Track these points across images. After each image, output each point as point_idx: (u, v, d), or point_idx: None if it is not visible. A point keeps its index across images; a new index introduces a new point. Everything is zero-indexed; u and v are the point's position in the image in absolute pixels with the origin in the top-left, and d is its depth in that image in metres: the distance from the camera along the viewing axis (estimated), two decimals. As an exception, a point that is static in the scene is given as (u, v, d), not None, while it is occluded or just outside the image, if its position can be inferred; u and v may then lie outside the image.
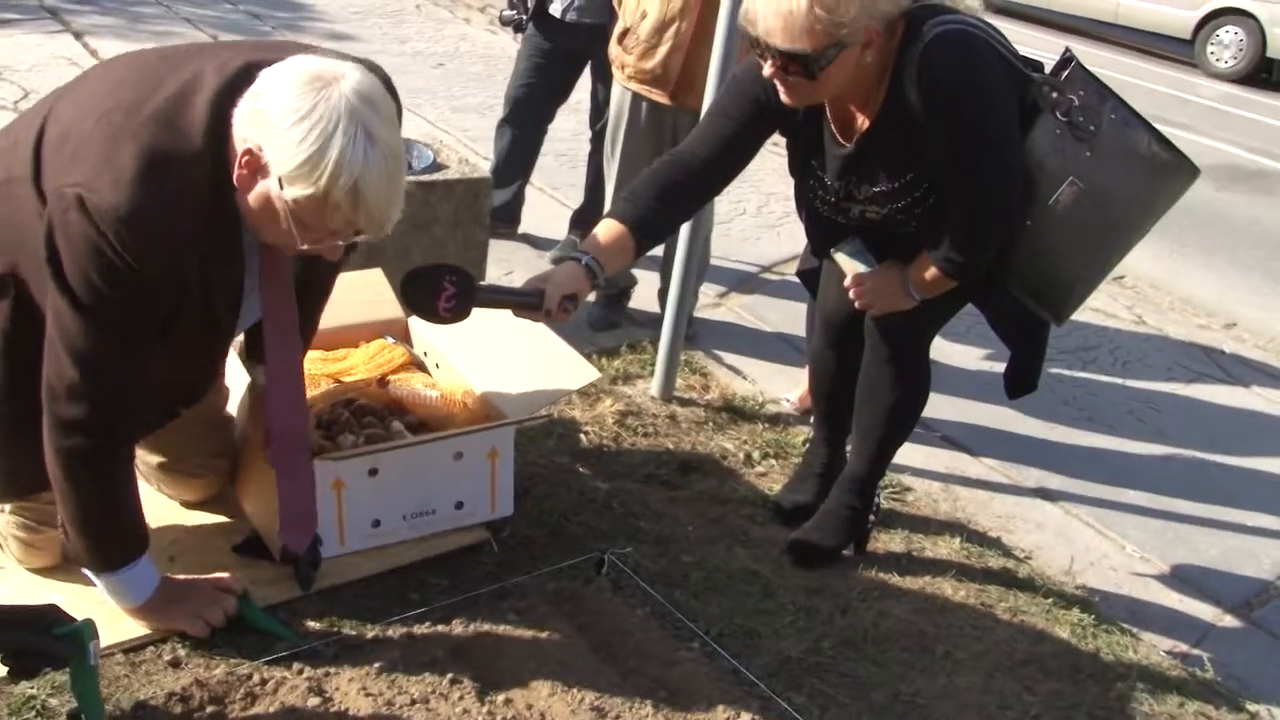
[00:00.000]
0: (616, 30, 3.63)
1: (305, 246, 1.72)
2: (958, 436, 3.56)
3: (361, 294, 2.87)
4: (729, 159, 2.35)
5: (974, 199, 2.15)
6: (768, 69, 2.06)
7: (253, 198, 1.69)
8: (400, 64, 7.36)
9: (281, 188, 1.63)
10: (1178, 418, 3.97)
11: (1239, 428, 3.97)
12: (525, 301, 2.15)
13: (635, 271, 3.95)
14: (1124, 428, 3.83)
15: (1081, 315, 4.70)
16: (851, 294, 2.41)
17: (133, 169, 1.63)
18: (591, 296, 3.93)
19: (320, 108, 1.59)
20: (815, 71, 2.01)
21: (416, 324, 2.80)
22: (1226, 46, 11.39)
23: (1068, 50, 2.23)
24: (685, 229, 3.21)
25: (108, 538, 1.94)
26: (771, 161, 6.20)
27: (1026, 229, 2.18)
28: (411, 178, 3.42)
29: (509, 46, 8.32)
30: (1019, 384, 2.51)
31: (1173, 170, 2.12)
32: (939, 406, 3.60)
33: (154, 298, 1.74)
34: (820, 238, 2.55)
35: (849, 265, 2.41)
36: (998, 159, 2.12)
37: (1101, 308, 4.82)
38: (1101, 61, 11.58)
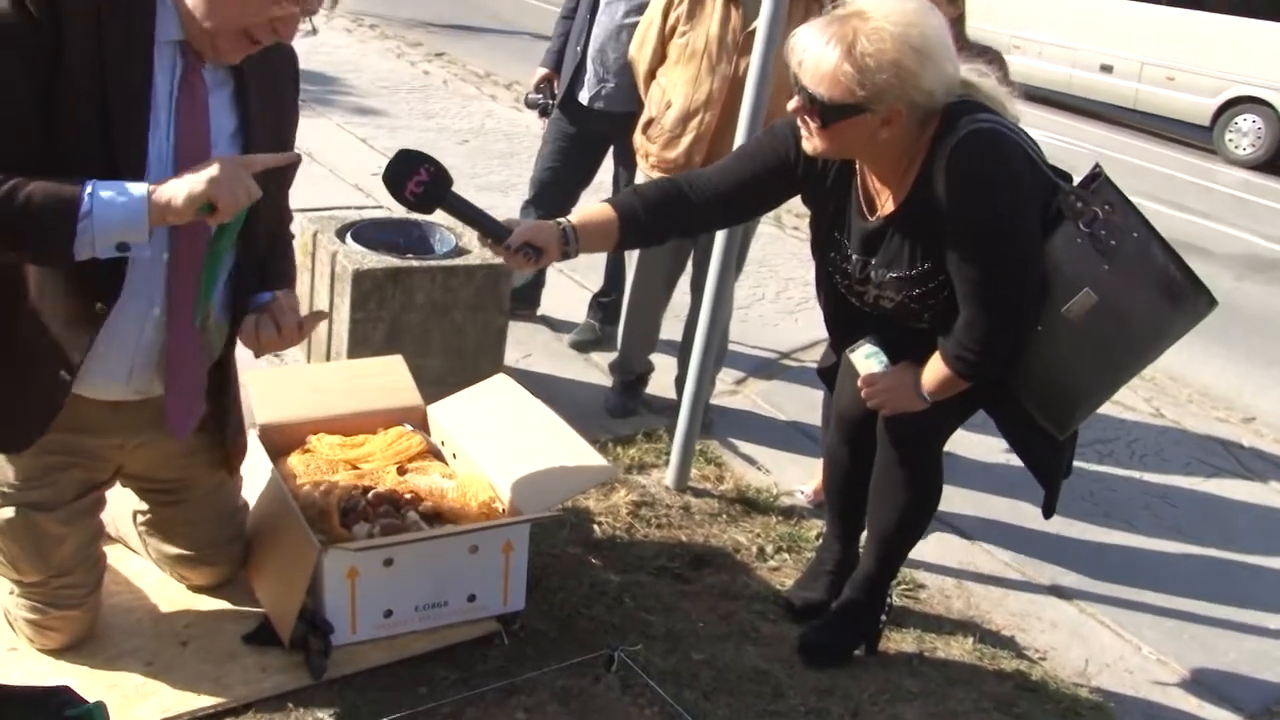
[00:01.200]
0: (641, 120, 3.71)
1: (269, 15, 1.73)
2: (972, 530, 3.56)
3: (381, 380, 2.92)
4: (737, 202, 2.41)
5: (989, 296, 2.18)
6: (793, 103, 2.13)
7: None
8: (426, 140, 7.51)
9: None
10: (1195, 514, 3.95)
11: (1257, 525, 3.95)
12: (491, 229, 2.18)
13: (653, 358, 4.00)
14: (1141, 524, 3.82)
15: (1103, 409, 4.72)
16: (864, 394, 2.44)
17: None
18: (608, 380, 4.00)
19: None
20: (828, 120, 2.08)
21: (435, 413, 2.84)
22: (1245, 134, 11.50)
23: (1097, 165, 2.27)
24: (705, 317, 3.26)
25: (30, 214, 1.66)
26: (790, 245, 6.30)
27: (1038, 334, 2.21)
28: (434, 262, 3.49)
29: (533, 124, 8.46)
30: (1047, 509, 2.52)
31: (1190, 298, 2.14)
32: (953, 500, 3.60)
33: (26, 28, 1.64)
34: (837, 324, 2.58)
35: (863, 365, 2.44)
36: (1016, 258, 2.15)
37: (1120, 399, 4.81)
38: (1121, 146, 11.70)
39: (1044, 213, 2.17)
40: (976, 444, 4.06)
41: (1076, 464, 4.08)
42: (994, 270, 2.15)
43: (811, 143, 2.17)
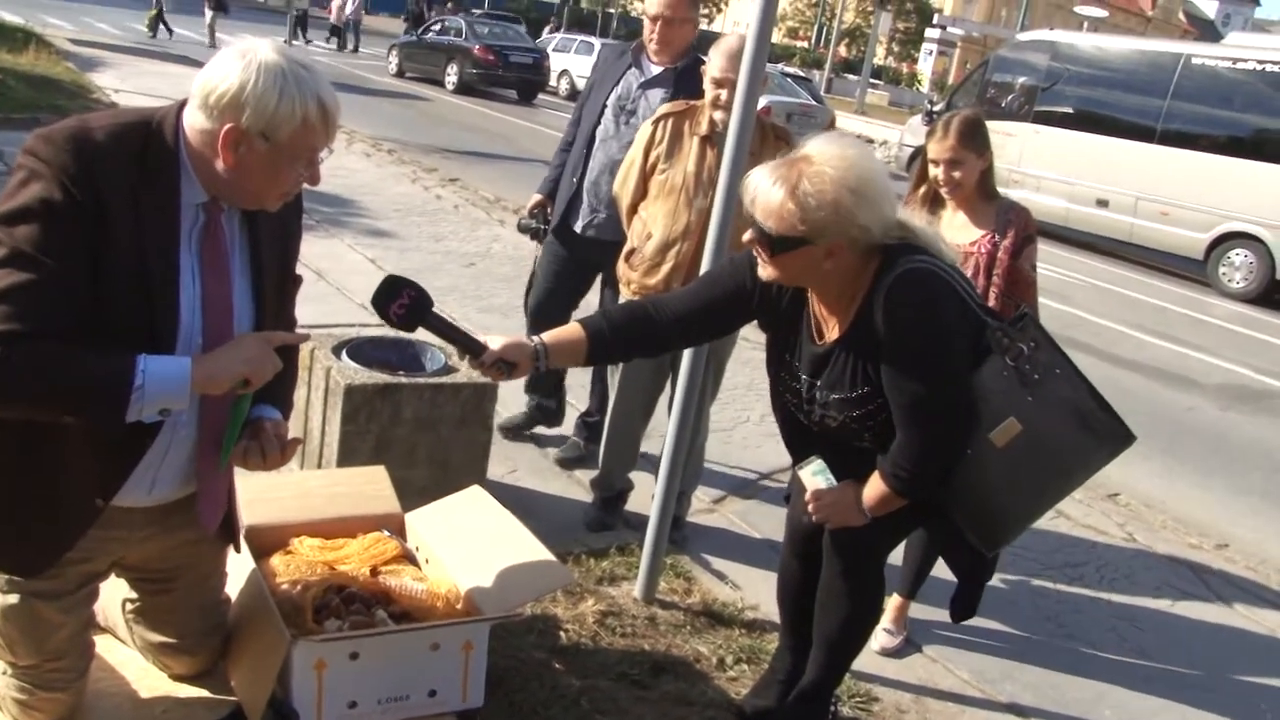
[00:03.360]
0: (625, 250, 3.97)
1: (302, 175, 2.04)
2: (934, 648, 3.68)
3: (364, 488, 3.11)
4: (697, 324, 2.63)
5: (920, 419, 2.39)
6: (748, 235, 2.39)
7: (247, 168, 1.98)
8: (433, 262, 7.84)
9: (268, 139, 1.95)
10: (1161, 637, 4.06)
11: (1221, 649, 4.05)
12: (467, 344, 2.42)
13: (633, 475, 4.18)
14: (1105, 645, 3.93)
15: (1072, 531, 4.87)
16: (810, 508, 2.62)
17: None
18: (589, 496, 4.18)
19: (265, 72, 1.93)
20: (776, 251, 2.33)
21: (412, 520, 3.02)
22: (1238, 268, 11.79)
23: (1023, 306, 2.49)
24: (670, 436, 3.45)
25: (90, 385, 1.92)
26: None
27: (968, 458, 2.40)
28: (422, 379, 3.72)
29: (537, 249, 8.84)
30: (963, 609, 2.68)
31: (1106, 433, 2.33)
32: (919, 615, 3.73)
33: (73, 207, 1.90)
34: (791, 441, 2.78)
35: (810, 481, 2.64)
36: (944, 386, 2.36)
37: (1093, 524, 4.97)
38: (1116, 279, 11.99)
39: (974, 346, 2.39)
40: (942, 563, 4.20)
41: (1044, 584, 4.28)
42: (924, 396, 2.36)
43: (765, 270, 2.41)
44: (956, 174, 3.37)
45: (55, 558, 2.16)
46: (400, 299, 2.35)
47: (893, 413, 2.41)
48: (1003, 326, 2.40)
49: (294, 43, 24.94)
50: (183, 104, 2.04)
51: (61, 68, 14.89)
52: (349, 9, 28.69)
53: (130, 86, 14.18)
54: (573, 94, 25.00)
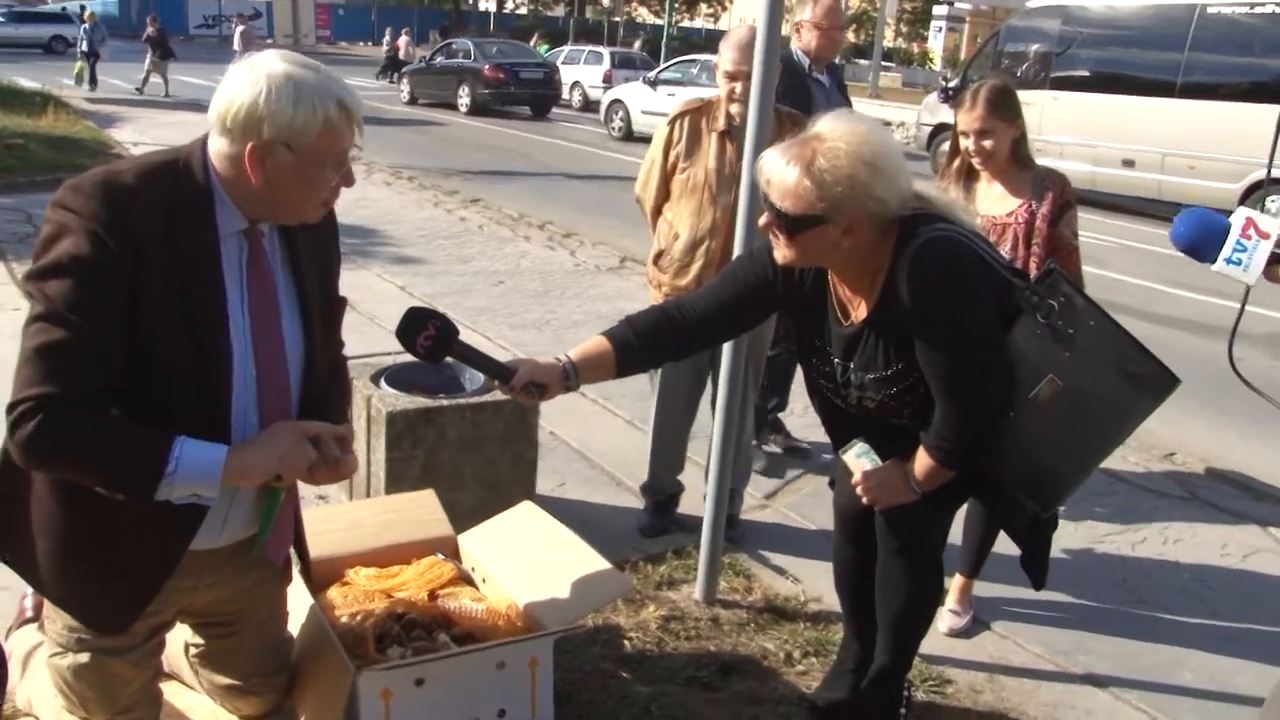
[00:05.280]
0: (651, 252, 3.95)
1: (335, 180, 2.01)
2: (1003, 624, 3.61)
3: (415, 513, 3.10)
4: (722, 321, 2.59)
5: (957, 389, 2.34)
6: (763, 219, 2.34)
7: (277, 181, 1.96)
8: (463, 283, 7.86)
9: (292, 148, 1.92)
10: (1233, 595, 3.97)
11: (1297, 602, 3.96)
12: (496, 370, 2.40)
13: (683, 479, 4.14)
14: (1177, 607, 3.84)
15: (1131, 494, 4.78)
16: (858, 491, 2.58)
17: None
18: (641, 503, 4.15)
19: (275, 83, 1.90)
20: (794, 231, 2.28)
21: (465, 542, 3.00)
22: (1276, 216, 11.55)
23: (1050, 262, 2.43)
24: (717, 434, 3.41)
25: (121, 465, 1.91)
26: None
27: (1010, 421, 2.35)
28: (463, 400, 3.71)
29: (565, 261, 8.86)
30: (1036, 575, 2.63)
31: (1149, 380, 2.28)
32: (984, 593, 3.67)
33: (106, 258, 1.87)
34: (831, 427, 2.74)
35: (855, 464, 2.59)
36: (977, 353, 2.31)
37: (1152, 485, 4.88)
38: (1148, 238, 11.81)
39: (1002, 308, 2.34)
40: (1004, 538, 4.14)
41: (1109, 551, 4.19)
42: (958, 365, 2.31)
43: (781, 252, 2.37)
44: (988, 143, 3.31)
45: (140, 610, 2.14)
46: (425, 330, 2.33)
47: (930, 385, 2.37)
48: (1030, 285, 2.37)
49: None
50: (206, 138, 2.03)
51: (81, 126, 15.12)
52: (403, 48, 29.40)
53: (149, 138, 14.36)
54: (586, 105, 25.04)
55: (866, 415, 2.54)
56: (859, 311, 2.43)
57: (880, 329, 2.39)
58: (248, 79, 1.93)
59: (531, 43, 33.06)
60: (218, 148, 1.99)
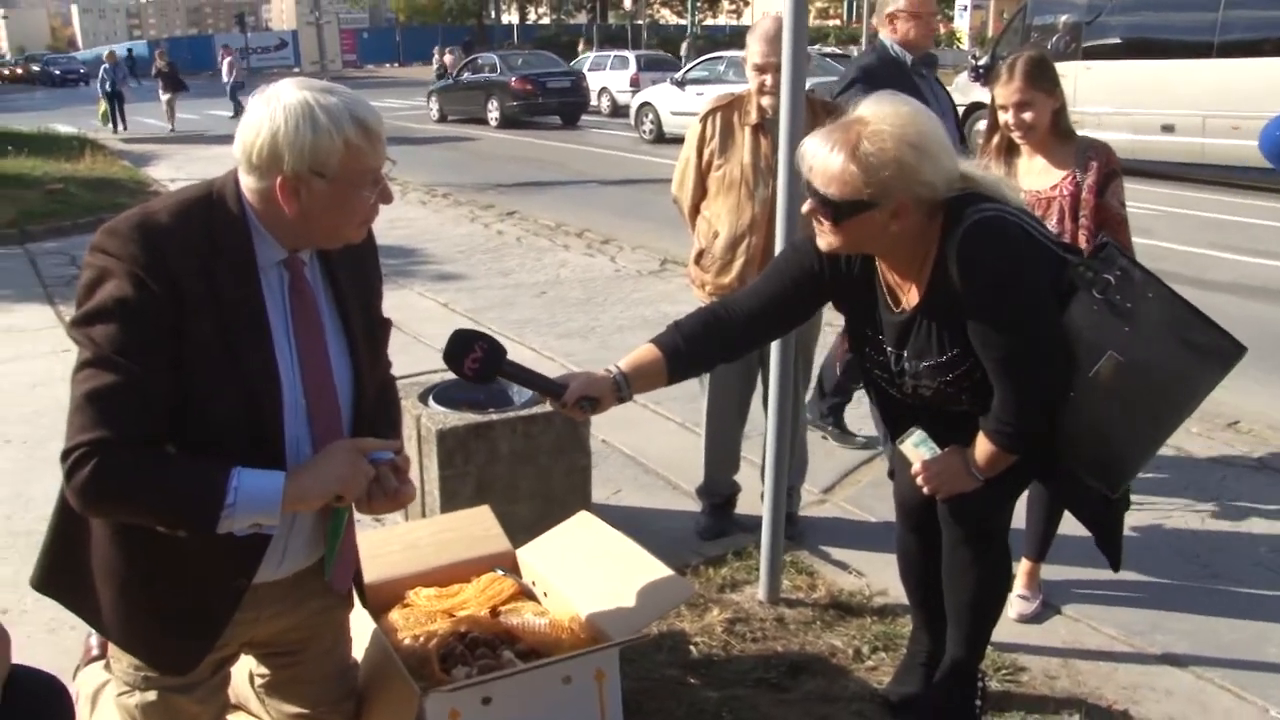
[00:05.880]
0: (692, 252, 3.92)
1: (372, 199, 1.98)
2: (1074, 607, 3.53)
3: (471, 531, 3.08)
4: (770, 317, 2.54)
5: (1014, 371, 2.28)
6: (806, 205, 2.30)
7: (313, 209, 1.93)
8: (504, 297, 7.86)
9: (322, 175, 1.90)
10: (1311, 564, 3.87)
11: (1377, 568, 3.84)
12: (547, 387, 2.36)
13: (739, 479, 4.11)
14: (1254, 580, 3.74)
15: (1198, 467, 4.67)
16: (919, 480, 2.52)
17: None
18: (698, 506, 4.12)
19: (290, 112, 1.87)
20: (840, 218, 2.23)
21: (524, 555, 2.99)
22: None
23: (1103, 236, 2.37)
24: (771, 431, 3.37)
25: (181, 501, 1.88)
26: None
27: (1072, 400, 2.29)
28: (513, 413, 3.69)
29: (606, 268, 8.85)
30: (1111, 555, 2.56)
31: (1213, 350, 2.20)
32: (1052, 576, 3.60)
33: (148, 299, 1.86)
34: (887, 418, 2.69)
35: (913, 454, 2.54)
36: (1033, 333, 2.26)
37: (1218, 455, 4.76)
38: (1193, 203, 11.61)
39: (1056, 286, 2.28)
40: (1071, 519, 4.05)
41: (1179, 526, 4.09)
42: (1014, 346, 2.25)
43: (826, 240, 2.32)
44: (1027, 116, 3.23)
45: (206, 649, 2.13)
46: (472, 353, 2.30)
47: (987, 369, 2.31)
48: (1084, 260, 2.31)
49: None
50: (238, 168, 2.02)
51: (118, 167, 15.38)
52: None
53: (185, 174, 14.58)
54: (615, 110, 25.05)
55: (923, 404, 2.49)
56: (910, 298, 2.38)
57: (933, 314, 2.34)
58: (265, 112, 1.91)
59: (579, 50, 33.17)
60: (248, 183, 1.98)
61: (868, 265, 2.44)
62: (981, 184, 2.32)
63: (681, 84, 19.10)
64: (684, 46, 35.15)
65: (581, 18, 59.44)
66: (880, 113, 2.21)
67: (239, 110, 23.79)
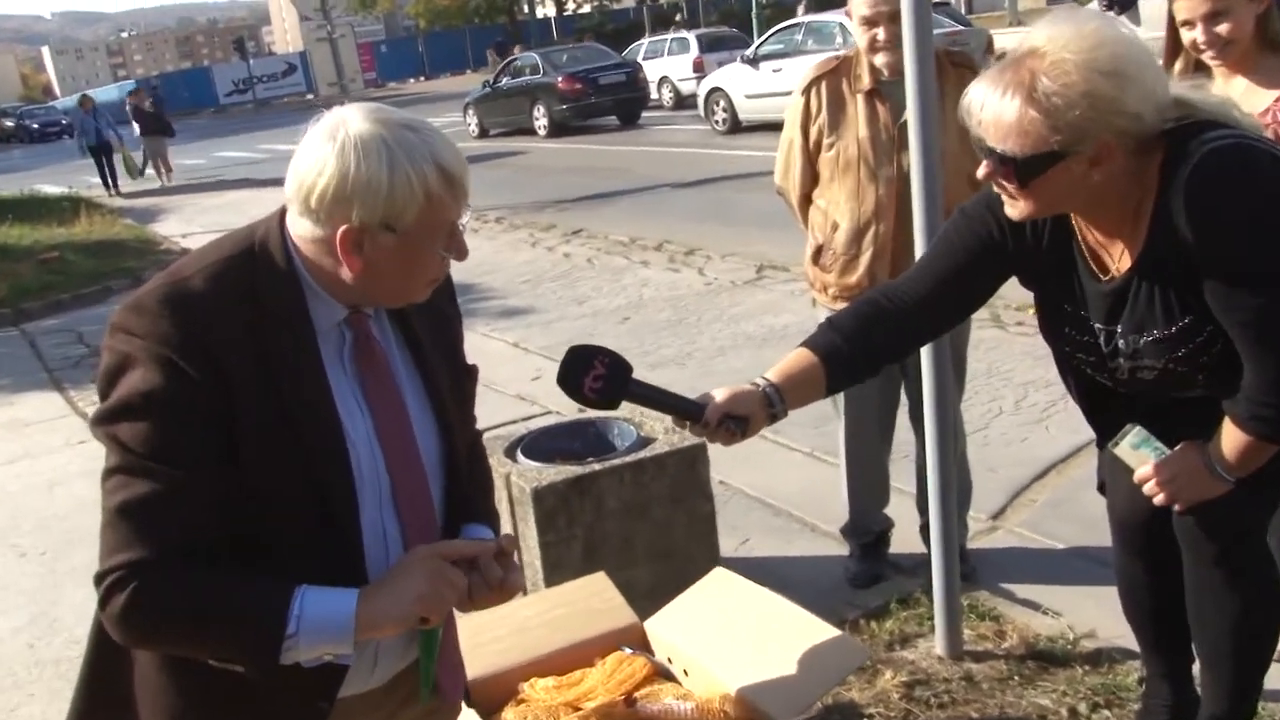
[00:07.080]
0: (809, 250, 3.84)
1: (447, 255, 1.90)
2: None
3: (588, 603, 3.02)
4: (943, 301, 2.44)
5: (1270, 339, 2.13)
6: (982, 169, 2.17)
7: (378, 265, 1.85)
8: (583, 327, 7.86)
9: (393, 229, 1.81)
10: None
11: None
12: (683, 407, 2.26)
13: (889, 512, 4.00)
14: None
15: None
16: (1147, 490, 2.37)
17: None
18: (845, 549, 4.01)
19: (364, 150, 1.78)
20: (1026, 178, 2.10)
21: (654, 627, 2.91)
22: None
23: None
24: (932, 451, 3.26)
25: (235, 633, 1.82)
26: (1020, 345, 6.25)
27: None
28: (618, 460, 3.63)
29: (694, 282, 8.82)
30: None
31: None
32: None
33: (184, 387, 1.78)
34: (1096, 416, 2.56)
35: (1134, 458, 2.39)
36: None
37: None
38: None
39: None
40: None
41: None
42: (1271, 304, 2.10)
43: (1016, 207, 2.19)
44: (1223, 29, 3.03)
45: None
46: (593, 370, 2.22)
47: (1233, 338, 2.16)
48: None
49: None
50: (283, 211, 1.96)
51: (119, 227, 15.74)
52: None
53: (198, 227, 14.91)
54: (680, 101, 25.15)
55: (1141, 392, 2.36)
56: (1121, 260, 2.25)
57: (1154, 277, 2.20)
58: (331, 148, 1.82)
59: (645, 36, 32.96)
60: (301, 231, 1.89)
61: (1061, 225, 2.32)
62: (1203, 108, 2.18)
63: (754, 61, 19.09)
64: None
65: (629, 0, 59.96)
66: (1058, 38, 2.07)
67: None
